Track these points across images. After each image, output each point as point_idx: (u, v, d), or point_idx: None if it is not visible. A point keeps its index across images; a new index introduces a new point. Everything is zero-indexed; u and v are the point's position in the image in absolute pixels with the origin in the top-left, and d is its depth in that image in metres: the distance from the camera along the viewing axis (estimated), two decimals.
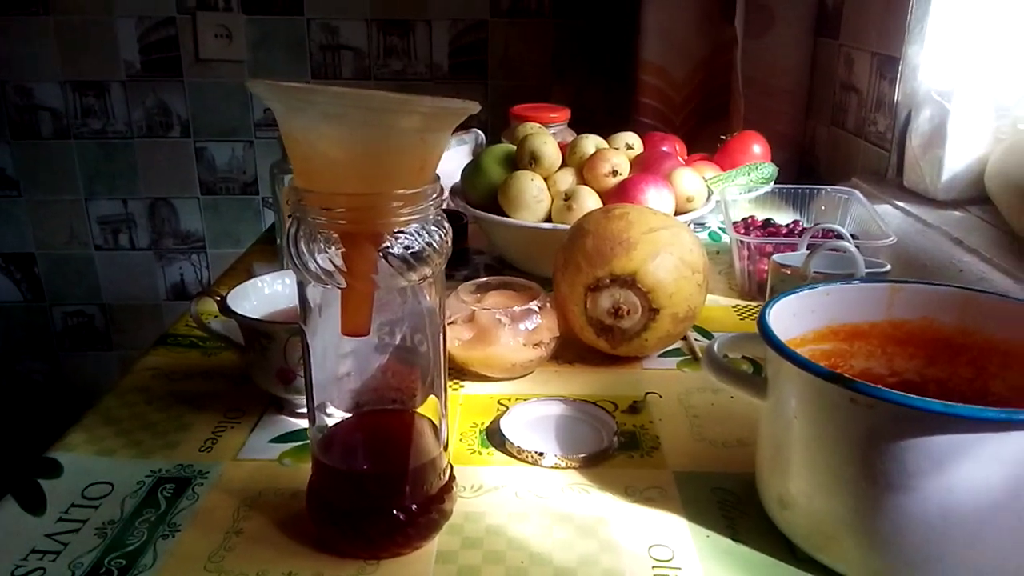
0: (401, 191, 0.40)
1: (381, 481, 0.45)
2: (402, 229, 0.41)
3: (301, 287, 0.43)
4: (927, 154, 0.90)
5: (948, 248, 0.79)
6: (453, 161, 0.98)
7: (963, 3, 0.89)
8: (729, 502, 0.50)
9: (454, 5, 1.58)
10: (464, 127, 1.24)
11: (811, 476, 0.44)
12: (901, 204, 0.91)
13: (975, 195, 0.88)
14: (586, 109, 1.59)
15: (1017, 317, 0.49)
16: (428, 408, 0.47)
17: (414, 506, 0.45)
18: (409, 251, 0.41)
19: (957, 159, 0.88)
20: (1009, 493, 0.38)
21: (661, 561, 0.45)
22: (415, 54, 1.61)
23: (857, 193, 0.87)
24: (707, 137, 1.24)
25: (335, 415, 0.48)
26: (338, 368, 0.48)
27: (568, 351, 0.69)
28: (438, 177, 0.43)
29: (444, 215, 0.43)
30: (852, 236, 0.82)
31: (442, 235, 0.42)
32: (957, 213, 0.87)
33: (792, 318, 0.51)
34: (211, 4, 1.60)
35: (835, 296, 0.52)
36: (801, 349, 0.52)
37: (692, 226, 1.00)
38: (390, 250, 0.41)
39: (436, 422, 0.47)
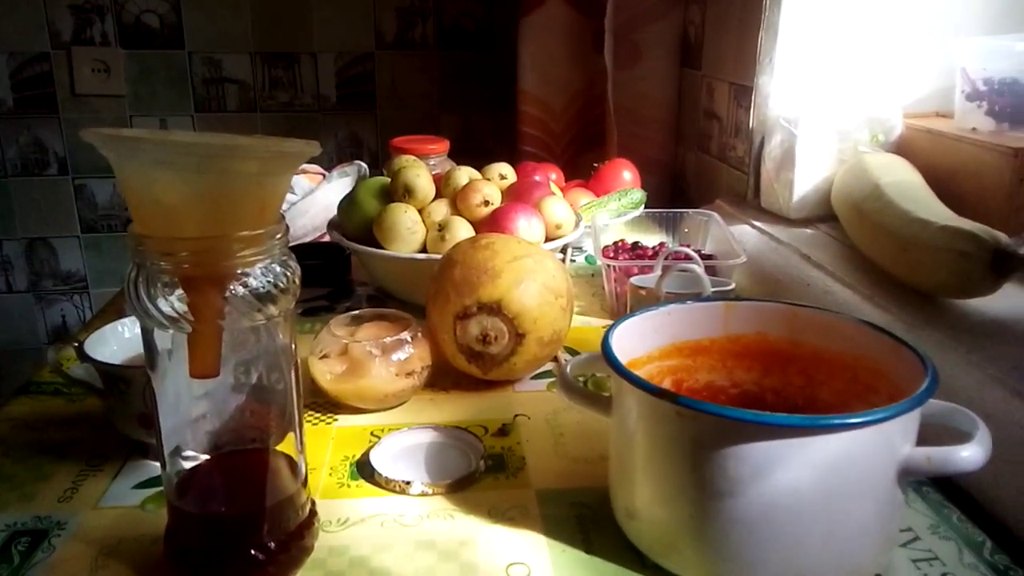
0: (243, 233, 0.41)
1: (238, 521, 0.46)
2: (246, 270, 0.42)
3: (146, 332, 0.44)
4: (779, 176, 0.97)
5: (798, 264, 0.85)
6: (335, 193, 0.99)
7: (807, 36, 0.97)
8: (586, 516, 0.53)
9: (339, 38, 1.59)
10: (352, 157, 1.25)
11: (651, 487, 0.47)
12: (758, 224, 0.97)
13: (823, 213, 0.95)
14: (475, 138, 1.63)
15: (837, 329, 0.53)
16: (287, 445, 0.48)
17: (272, 544, 0.45)
18: (255, 292, 0.42)
19: (806, 181, 0.95)
20: (822, 495, 0.42)
21: None
22: (301, 86, 1.61)
23: (715, 215, 0.93)
24: (586, 164, 1.28)
25: (193, 458, 0.48)
26: (193, 410, 0.48)
27: (443, 378, 0.71)
28: (282, 217, 0.44)
29: (291, 254, 0.44)
30: (710, 255, 0.88)
31: (288, 274, 0.43)
32: (808, 231, 0.94)
33: (639, 337, 0.55)
34: (87, 39, 1.56)
35: (676, 315, 0.56)
36: (648, 366, 0.56)
37: (571, 250, 1.04)
38: (235, 292, 0.42)
39: (295, 458, 0.48)
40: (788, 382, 0.56)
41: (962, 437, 0.43)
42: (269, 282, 0.42)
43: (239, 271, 0.42)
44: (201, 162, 0.39)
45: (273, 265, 0.43)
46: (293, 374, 0.46)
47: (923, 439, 0.44)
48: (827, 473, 0.42)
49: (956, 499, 0.54)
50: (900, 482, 0.44)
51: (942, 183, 0.82)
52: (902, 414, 0.41)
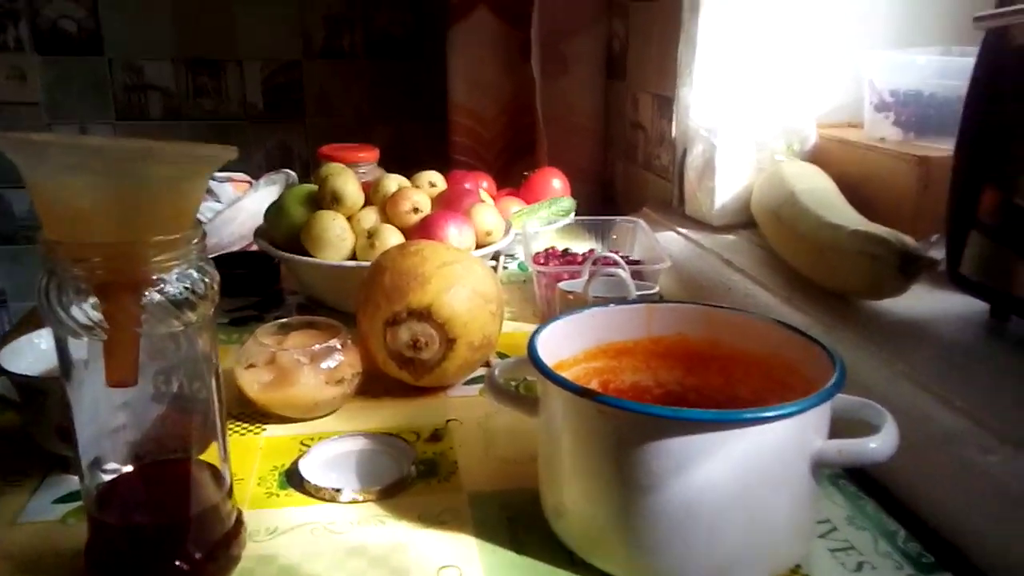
0: (158, 238, 0.40)
1: (160, 532, 0.45)
2: (162, 276, 0.41)
3: (60, 342, 0.42)
4: (701, 185, 1.00)
5: (720, 269, 0.88)
6: (262, 202, 0.97)
7: (725, 48, 1.00)
8: (517, 517, 0.53)
9: (265, 45, 1.57)
10: (282, 167, 1.23)
11: (578, 485, 0.47)
12: (683, 231, 1.00)
13: (744, 220, 0.99)
14: (407, 148, 1.62)
15: (752, 329, 0.55)
16: (211, 454, 0.47)
17: (198, 555, 0.44)
18: (171, 298, 0.41)
19: (726, 189, 0.98)
20: (740, 488, 0.43)
21: None
22: (227, 93, 1.58)
23: (641, 222, 0.95)
24: (518, 173, 1.30)
25: (113, 469, 0.47)
26: (112, 421, 0.47)
27: (375, 385, 0.71)
28: (200, 222, 0.43)
29: (208, 260, 0.44)
30: (637, 261, 0.90)
31: (206, 280, 0.43)
32: (730, 237, 0.97)
33: (565, 340, 0.56)
34: (1, 44, 1.50)
35: (600, 318, 0.57)
36: (575, 368, 0.57)
37: (504, 257, 1.04)
38: (151, 298, 0.41)
39: (218, 468, 0.47)
40: (709, 381, 0.58)
41: (872, 430, 0.46)
42: (186, 288, 0.42)
43: (155, 277, 0.41)
44: (112, 166, 0.38)
45: (190, 271, 0.42)
46: (214, 382, 0.45)
47: (837, 433, 0.46)
48: (744, 466, 0.43)
49: (871, 491, 0.57)
50: (815, 474, 0.46)
51: (854, 190, 0.86)
52: (813, 407, 0.43)
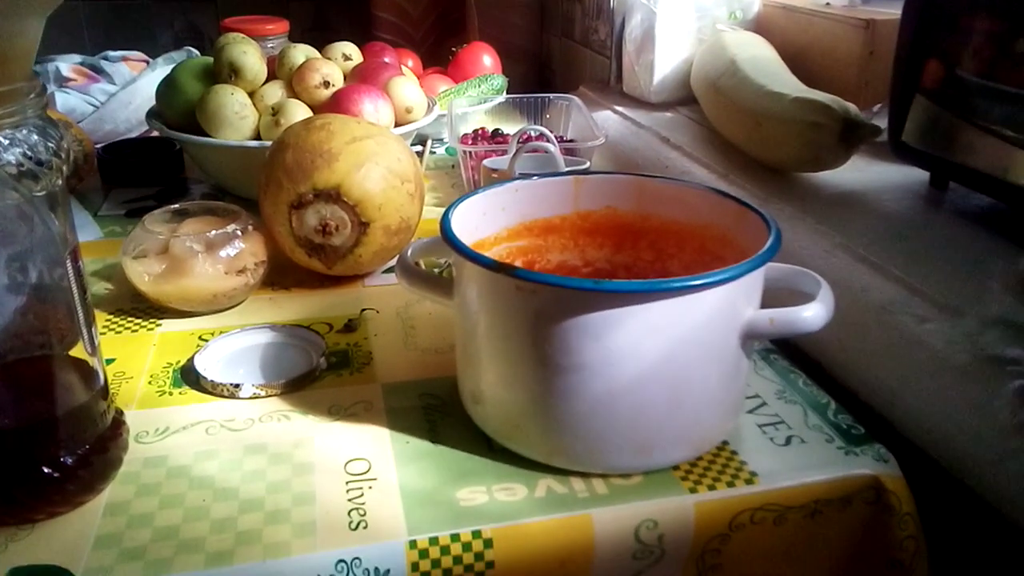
0: None
1: (22, 435, 0.40)
2: None
3: None
4: (640, 58, 0.94)
5: (657, 147, 0.83)
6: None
7: None
8: (434, 406, 0.50)
9: None
10: (187, 44, 1.12)
11: (495, 368, 0.44)
12: (620, 109, 0.94)
13: (683, 96, 0.93)
14: (327, 28, 1.51)
15: (684, 199, 0.51)
16: (82, 349, 0.42)
17: (68, 459, 0.40)
18: (6, 165, 0.35)
19: (666, 62, 0.92)
20: (660, 359, 0.40)
21: (356, 475, 0.44)
22: None
23: (576, 100, 0.89)
24: (446, 53, 1.21)
25: None
26: None
27: (284, 276, 0.65)
28: (35, 75, 0.36)
29: (51, 122, 0.37)
30: (570, 140, 0.84)
31: (50, 144, 0.36)
32: (668, 114, 0.92)
33: (483, 217, 0.51)
34: None
35: (524, 192, 0.52)
36: (496, 247, 0.52)
37: (430, 142, 0.98)
38: None
39: (89, 363, 0.41)
40: (639, 257, 0.54)
41: (806, 299, 0.42)
42: (24, 154, 0.35)
43: None
44: None
45: (28, 133, 0.35)
46: (71, 266, 0.40)
47: (767, 306, 0.43)
48: (670, 340, 0.40)
49: (803, 366, 0.54)
50: (745, 346, 0.43)
51: (797, 59, 0.81)
52: (745, 274, 0.40)
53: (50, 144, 0.36)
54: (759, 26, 0.92)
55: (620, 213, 0.53)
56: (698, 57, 0.90)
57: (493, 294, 0.42)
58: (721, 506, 0.43)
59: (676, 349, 0.39)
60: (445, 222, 0.45)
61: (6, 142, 0.35)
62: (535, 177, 0.52)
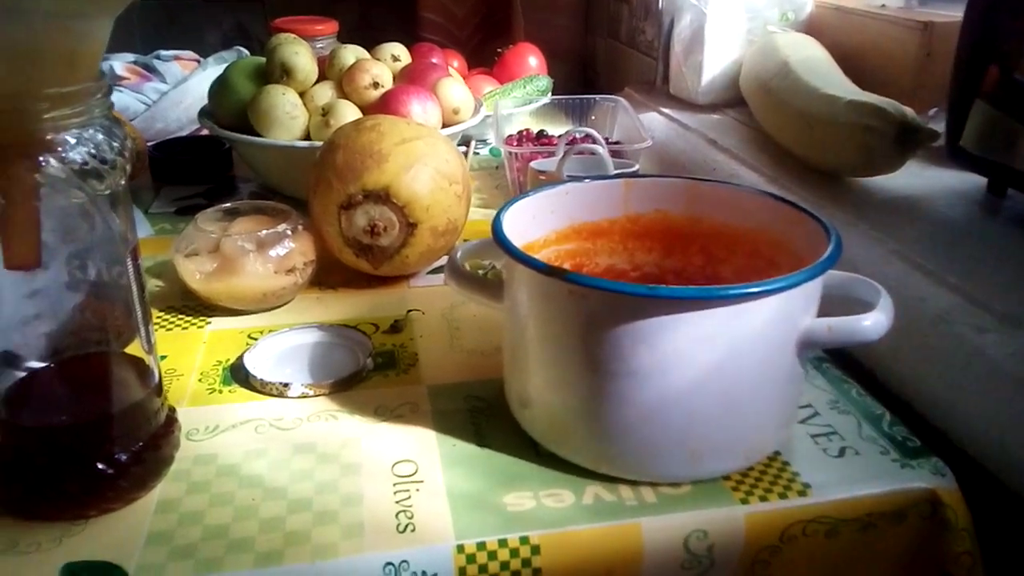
0: (50, 91, 0.34)
1: (78, 432, 0.40)
2: (62, 139, 0.35)
3: None
4: (688, 60, 0.93)
5: (704, 149, 0.82)
6: (211, 82, 0.90)
7: None
8: (479, 409, 0.50)
9: None
10: (236, 44, 1.14)
11: (544, 372, 0.43)
12: (666, 111, 0.93)
13: (731, 98, 0.92)
14: (373, 29, 1.52)
15: (738, 203, 0.51)
16: (138, 347, 0.42)
17: (124, 456, 0.40)
18: (73, 165, 0.36)
19: (715, 63, 0.91)
20: (715, 367, 0.39)
21: (403, 477, 0.44)
22: None
23: (623, 101, 0.88)
24: (492, 52, 1.21)
25: (26, 364, 0.42)
26: (23, 311, 0.42)
27: (331, 275, 0.66)
28: (103, 74, 0.37)
29: (117, 122, 0.38)
30: (616, 142, 0.83)
31: (115, 144, 0.37)
32: (715, 116, 0.91)
33: (532, 220, 0.51)
34: None
35: (573, 195, 0.52)
36: (545, 250, 0.52)
37: (474, 143, 0.98)
38: (48, 164, 0.35)
39: (145, 361, 0.42)
40: (689, 262, 0.53)
41: (864, 308, 0.41)
42: (90, 153, 0.36)
43: (50, 138, 0.35)
44: None
45: (94, 132, 0.36)
46: (131, 264, 0.40)
47: (825, 313, 0.42)
48: (725, 347, 0.39)
49: (856, 375, 0.53)
50: (801, 355, 0.42)
51: (851, 61, 0.80)
52: (803, 282, 0.39)
53: (115, 144, 0.37)
54: (811, 27, 0.90)
55: (671, 216, 0.52)
56: (748, 58, 0.88)
57: (544, 298, 0.42)
58: (773, 518, 0.42)
59: (731, 357, 0.39)
60: (497, 225, 0.45)
61: (73, 141, 0.35)
62: (587, 180, 0.51)
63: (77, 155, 0.36)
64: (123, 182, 0.38)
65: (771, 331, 0.39)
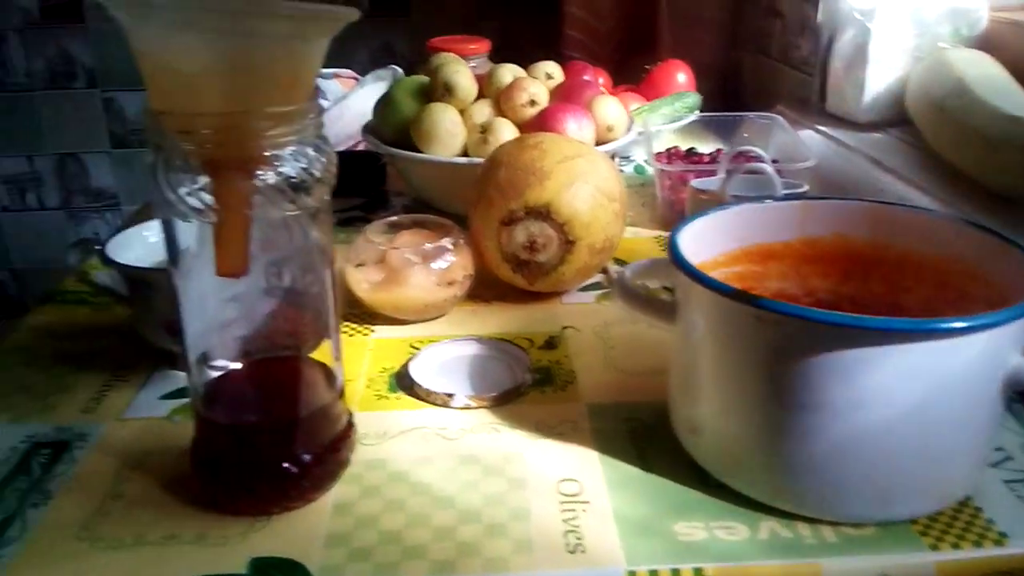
0: (272, 110, 0.36)
1: (269, 433, 0.42)
2: (277, 155, 0.37)
3: (168, 226, 0.40)
4: (849, 76, 0.89)
5: (868, 169, 0.78)
6: (369, 99, 0.93)
7: None
8: (641, 432, 0.49)
9: None
10: (385, 63, 1.18)
11: (720, 400, 0.42)
12: (824, 128, 0.89)
13: (895, 116, 0.87)
14: (515, 45, 1.54)
15: (929, 230, 0.48)
16: (322, 353, 0.44)
17: (307, 457, 0.42)
18: (286, 179, 0.38)
19: (878, 80, 0.87)
20: (915, 405, 0.37)
21: (569, 496, 0.44)
22: None
23: (779, 118, 0.85)
24: (634, 69, 1.20)
25: (221, 365, 0.44)
26: (222, 315, 0.44)
27: (486, 289, 0.67)
28: (317, 95, 0.39)
29: (325, 140, 0.40)
30: (775, 161, 0.81)
31: (324, 161, 0.39)
32: (878, 135, 0.87)
33: (703, 241, 0.49)
34: None
35: (746, 216, 0.50)
36: (713, 272, 0.50)
37: (618, 160, 0.97)
38: (265, 178, 0.37)
39: (330, 367, 0.44)
40: (868, 289, 0.51)
41: None
42: (303, 168, 0.38)
43: (268, 154, 0.37)
44: (222, 21, 0.34)
45: (307, 149, 0.38)
46: (328, 275, 0.42)
47: None
48: (927, 384, 0.37)
49: None
50: (1003, 395, 0.39)
51: None
52: (1016, 319, 0.36)
53: (323, 160, 0.39)
54: (985, 44, 0.84)
55: (850, 241, 0.50)
56: (917, 75, 0.84)
57: (727, 323, 0.40)
58: (966, 567, 0.39)
59: (934, 394, 0.36)
60: (674, 246, 0.44)
61: (291, 157, 0.37)
62: (767, 201, 0.50)
63: (291, 170, 0.38)
64: (327, 197, 0.40)
65: (979, 368, 0.37)
